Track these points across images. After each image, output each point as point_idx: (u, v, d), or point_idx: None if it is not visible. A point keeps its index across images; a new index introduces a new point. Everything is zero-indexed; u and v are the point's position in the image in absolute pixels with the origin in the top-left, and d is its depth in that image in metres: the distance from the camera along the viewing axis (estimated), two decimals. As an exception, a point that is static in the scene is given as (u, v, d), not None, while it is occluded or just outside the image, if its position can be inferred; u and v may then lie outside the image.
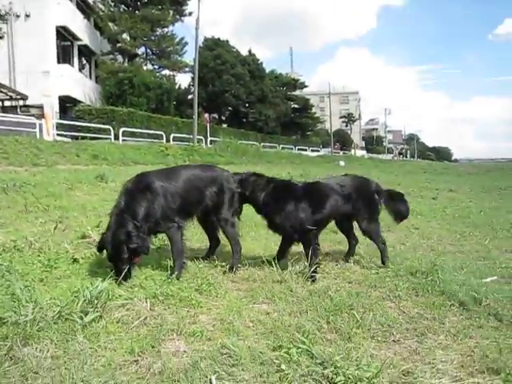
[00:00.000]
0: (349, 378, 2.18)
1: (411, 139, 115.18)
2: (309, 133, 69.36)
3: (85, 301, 2.87)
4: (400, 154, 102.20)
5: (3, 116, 23.34)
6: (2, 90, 28.20)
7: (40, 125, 23.55)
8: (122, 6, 40.78)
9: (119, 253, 3.54)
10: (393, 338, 2.77)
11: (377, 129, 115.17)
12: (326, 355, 2.40)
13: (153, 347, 2.50)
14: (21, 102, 29.68)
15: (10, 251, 4.35)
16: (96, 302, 2.88)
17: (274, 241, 5.05)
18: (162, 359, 2.37)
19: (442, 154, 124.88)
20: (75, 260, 4.13)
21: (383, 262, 4.55)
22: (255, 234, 5.93)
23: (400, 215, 5.10)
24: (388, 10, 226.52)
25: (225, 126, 49.54)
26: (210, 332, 2.76)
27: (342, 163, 38.43)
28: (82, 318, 2.71)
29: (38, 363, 2.25)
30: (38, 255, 4.28)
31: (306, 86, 68.21)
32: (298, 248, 4.50)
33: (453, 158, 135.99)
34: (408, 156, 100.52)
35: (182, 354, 2.46)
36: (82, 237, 5.16)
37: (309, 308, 3.17)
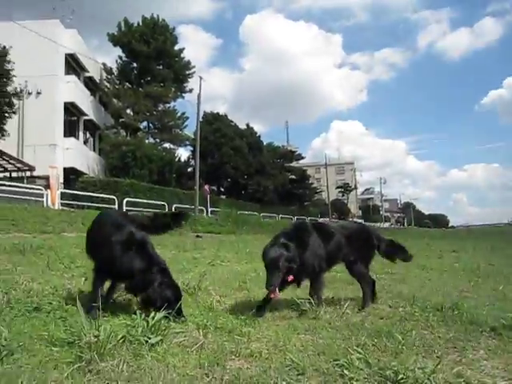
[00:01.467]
0: (408, 377, 2.40)
1: (407, 207, 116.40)
2: (306, 203, 70.24)
3: (144, 327, 3.10)
4: (397, 222, 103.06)
5: (13, 186, 23.87)
6: (10, 161, 28.97)
7: (47, 195, 24.09)
8: (127, 83, 42.84)
9: None
10: (436, 355, 2.97)
11: (373, 198, 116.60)
12: (381, 363, 2.62)
13: (218, 364, 2.71)
14: (27, 173, 30.38)
15: (53, 295, 4.57)
16: (154, 329, 3.11)
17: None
18: (230, 372, 2.57)
19: (438, 221, 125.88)
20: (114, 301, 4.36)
21: (363, 307, 4.62)
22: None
23: (402, 257, 5.34)
24: (376, 84, 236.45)
25: (224, 196, 50.32)
26: (266, 354, 2.96)
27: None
28: (146, 341, 2.93)
29: (117, 376, 2.45)
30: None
31: (302, 158, 70.11)
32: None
33: (450, 225, 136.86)
34: (405, 224, 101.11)
35: (247, 370, 2.66)
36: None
37: (351, 335, 3.38)
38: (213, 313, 4.03)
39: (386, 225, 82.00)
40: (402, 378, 2.42)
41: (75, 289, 4.95)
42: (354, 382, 2.43)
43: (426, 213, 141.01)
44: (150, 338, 2.98)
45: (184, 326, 3.52)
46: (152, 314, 3.27)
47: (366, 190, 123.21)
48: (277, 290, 3.88)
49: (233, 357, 2.90)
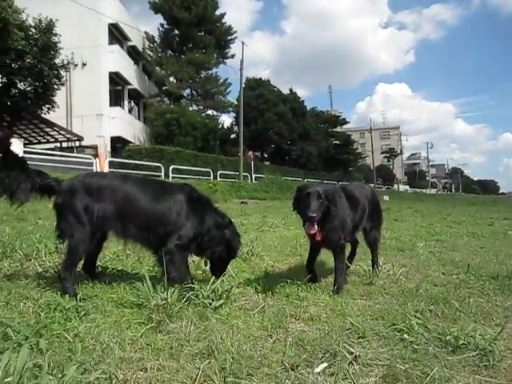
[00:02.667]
0: (469, 343, 2.43)
1: (455, 173, 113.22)
2: (351, 168, 69.43)
3: (207, 291, 3.25)
4: (444, 188, 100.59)
5: (64, 156, 24.69)
6: (60, 131, 29.90)
7: (95, 163, 24.82)
8: (169, 51, 42.90)
9: None
10: (495, 323, 2.98)
11: (419, 163, 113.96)
12: (440, 329, 2.65)
13: (280, 327, 2.81)
14: (76, 143, 31.30)
15: (115, 260, 4.81)
16: (217, 293, 3.25)
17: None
18: (292, 334, 2.68)
19: (488, 187, 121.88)
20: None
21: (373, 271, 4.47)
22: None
23: None
24: (425, 44, 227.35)
25: (268, 163, 50.33)
26: (324, 317, 3.05)
27: (386, 198, 38.14)
28: (210, 304, 3.08)
29: (186, 336, 2.59)
30: (140, 262, 4.74)
31: (346, 122, 68.87)
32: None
33: (500, 191, 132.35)
34: (453, 190, 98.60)
35: (308, 332, 2.75)
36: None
37: (406, 301, 3.41)
38: (268, 278, 4.14)
39: (433, 191, 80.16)
40: (463, 344, 2.45)
41: (133, 254, 5.16)
42: (415, 346, 2.47)
43: (475, 179, 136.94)
44: (213, 301, 3.12)
45: (243, 290, 3.66)
46: (213, 279, 3.42)
47: (411, 155, 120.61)
48: (316, 225, 3.59)
49: (293, 320, 3.01)
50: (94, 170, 24.38)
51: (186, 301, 3.08)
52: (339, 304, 3.35)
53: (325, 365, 2.22)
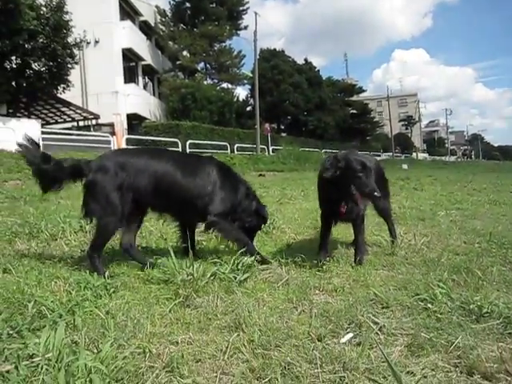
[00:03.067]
0: (493, 311, 2.46)
1: (475, 139, 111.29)
2: (368, 138, 68.65)
3: (232, 266, 3.31)
4: (464, 155, 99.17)
5: (81, 135, 24.90)
6: (76, 111, 30.09)
7: (113, 141, 25.02)
8: (181, 24, 42.48)
9: None
10: (519, 292, 2.99)
11: (438, 130, 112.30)
12: (464, 298, 2.68)
13: (304, 298, 2.87)
14: (93, 121, 31.49)
15: (139, 237, 4.90)
16: (241, 267, 3.31)
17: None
18: (317, 306, 2.73)
19: (509, 154, 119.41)
20: (198, 242, 4.62)
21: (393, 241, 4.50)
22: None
23: None
24: (443, 7, 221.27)
25: (284, 134, 50.06)
26: (348, 288, 3.10)
27: (404, 166, 37.77)
28: (235, 278, 3.14)
29: (213, 309, 2.66)
30: (165, 239, 4.83)
31: (363, 91, 67.80)
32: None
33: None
34: (473, 157, 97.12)
35: (332, 303, 2.80)
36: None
37: (429, 271, 3.43)
38: (291, 250, 4.19)
39: (452, 158, 79.08)
40: (487, 313, 2.47)
41: (157, 231, 5.26)
42: (438, 315, 2.50)
43: (496, 145, 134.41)
44: (237, 275, 3.18)
45: (267, 263, 3.72)
46: (237, 254, 3.49)
47: (430, 122, 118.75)
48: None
49: (317, 291, 3.06)
50: (112, 148, 24.61)
51: (211, 275, 3.14)
52: (362, 275, 3.39)
53: (351, 335, 2.27)
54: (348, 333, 2.30)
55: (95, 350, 1.99)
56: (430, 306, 2.61)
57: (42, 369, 1.75)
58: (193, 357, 2.05)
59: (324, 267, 3.59)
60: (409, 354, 2.08)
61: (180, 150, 27.44)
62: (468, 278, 3.15)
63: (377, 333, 2.29)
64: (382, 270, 3.62)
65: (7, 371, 1.73)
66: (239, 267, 3.30)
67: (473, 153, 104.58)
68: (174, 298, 2.83)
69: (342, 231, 4.97)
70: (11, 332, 2.16)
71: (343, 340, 2.22)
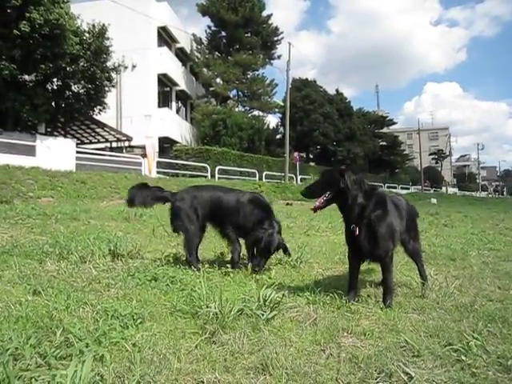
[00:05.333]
0: (532, 370, 2.34)
1: (507, 175, 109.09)
2: (397, 170, 68.10)
3: (259, 302, 3.27)
4: (495, 191, 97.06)
5: (114, 155, 25.41)
6: (110, 132, 30.81)
7: (143, 163, 25.47)
8: (216, 52, 43.40)
9: None
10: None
11: (469, 165, 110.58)
12: (500, 352, 2.57)
13: (332, 341, 2.80)
14: (126, 143, 32.14)
15: (166, 264, 4.91)
16: (269, 303, 3.27)
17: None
18: (345, 350, 2.66)
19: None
20: (226, 273, 4.60)
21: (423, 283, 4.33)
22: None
23: None
24: (478, 41, 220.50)
25: (313, 164, 50.08)
26: (377, 332, 3.01)
27: (433, 201, 37.17)
28: (262, 315, 3.10)
29: (240, 348, 2.62)
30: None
31: (394, 123, 67.66)
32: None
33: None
34: (505, 193, 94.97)
35: (361, 348, 2.72)
36: (218, 256, 5.67)
37: (461, 318, 3.32)
38: (318, 287, 4.12)
39: (483, 194, 77.46)
40: (525, 371, 2.36)
41: (183, 258, 5.26)
42: (473, 370, 2.39)
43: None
44: (265, 312, 3.13)
45: (294, 300, 3.66)
46: (264, 290, 3.44)
47: (461, 156, 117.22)
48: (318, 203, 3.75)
49: (345, 334, 2.97)
50: (142, 170, 25.02)
51: (238, 311, 3.11)
52: (392, 318, 3.29)
53: (380, 386, 2.19)
54: (378, 382, 2.23)
55: (121, 386, 1.97)
56: (463, 357, 2.50)
57: (68, 403, 1.74)
58: (218, 399, 2.02)
59: (352, 308, 3.51)
60: (442, 411, 2.00)
61: (209, 175, 27.72)
62: (504, 329, 3.02)
63: (408, 384, 2.21)
64: (412, 313, 3.51)
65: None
66: (266, 303, 3.26)
67: (505, 189, 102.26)
68: (200, 332, 2.80)
69: (371, 269, 4.88)
70: (39, 360, 2.17)
71: (373, 391, 2.15)
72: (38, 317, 2.84)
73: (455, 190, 74.89)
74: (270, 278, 4.47)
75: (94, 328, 2.69)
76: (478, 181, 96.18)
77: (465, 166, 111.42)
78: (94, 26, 22.72)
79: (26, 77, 21.00)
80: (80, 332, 2.58)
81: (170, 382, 2.09)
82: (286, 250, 5.11)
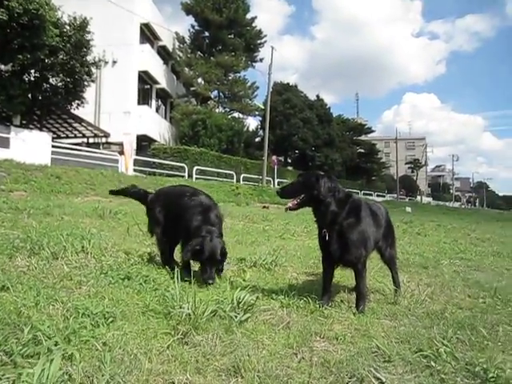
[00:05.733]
0: (499, 376, 2.37)
1: (480, 187, 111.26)
2: (374, 177, 68.89)
3: (232, 304, 3.26)
4: (468, 202, 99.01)
5: (90, 151, 25.07)
6: (88, 127, 30.41)
7: (120, 160, 25.19)
8: (198, 52, 43.31)
9: None
10: (525, 355, 2.91)
11: (443, 176, 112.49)
12: (468, 358, 2.61)
13: (305, 345, 2.80)
14: (103, 139, 31.75)
15: (140, 263, 4.85)
16: (242, 306, 3.26)
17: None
18: (317, 354, 2.66)
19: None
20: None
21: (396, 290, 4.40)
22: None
23: None
24: (458, 55, 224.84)
25: (291, 168, 50.30)
26: (349, 337, 3.02)
27: (408, 209, 37.65)
28: (236, 317, 3.08)
29: (212, 349, 2.60)
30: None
31: (372, 131, 68.44)
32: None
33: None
34: (477, 204, 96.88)
35: (333, 352, 2.73)
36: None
37: (432, 325, 3.36)
38: (292, 291, 4.12)
39: (456, 204, 78.84)
40: (493, 377, 2.39)
41: (157, 257, 5.21)
42: (442, 376, 2.42)
43: (500, 194, 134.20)
44: (238, 314, 3.12)
45: (268, 303, 3.65)
46: (239, 292, 3.43)
47: (436, 166, 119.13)
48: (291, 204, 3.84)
49: (318, 338, 2.98)
50: (119, 167, 24.75)
51: (211, 312, 3.09)
52: (364, 323, 3.32)
53: (352, 391, 2.20)
54: (349, 388, 2.24)
55: (90, 386, 1.93)
56: (433, 364, 2.53)
57: (34, 402, 1.69)
58: (189, 401, 2.00)
59: (326, 312, 3.52)
60: (411, 417, 2.01)
61: (186, 175, 27.59)
62: (473, 337, 3.07)
63: (378, 390, 2.23)
64: (385, 319, 3.54)
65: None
66: (240, 306, 3.24)
67: (477, 200, 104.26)
68: (172, 333, 2.77)
69: (345, 274, 4.91)
70: (4, 358, 2.11)
71: (344, 395, 2.16)
72: (5, 313, 2.76)
73: (430, 199, 76.11)
74: (244, 280, 4.45)
75: (63, 326, 2.64)
76: (451, 191, 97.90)
77: (440, 176, 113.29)
78: (75, 18, 22.35)
79: (2, 66, 20.58)
80: (49, 330, 2.52)
81: (140, 382, 2.07)
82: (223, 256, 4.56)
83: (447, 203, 72.01)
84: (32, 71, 21.56)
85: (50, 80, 22.53)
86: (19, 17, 17.57)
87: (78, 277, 4.01)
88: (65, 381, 1.90)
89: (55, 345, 2.35)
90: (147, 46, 36.95)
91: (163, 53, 41.44)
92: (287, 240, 8.48)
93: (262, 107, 41.37)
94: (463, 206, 78.24)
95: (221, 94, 44.47)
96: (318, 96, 57.68)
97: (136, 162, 27.41)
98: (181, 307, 3.00)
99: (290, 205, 3.82)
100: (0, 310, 2.81)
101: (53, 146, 22.09)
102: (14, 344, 2.28)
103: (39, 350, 2.27)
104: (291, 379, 2.27)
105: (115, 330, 2.74)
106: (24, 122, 24.54)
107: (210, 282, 4.17)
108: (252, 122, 73.95)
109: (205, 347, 2.62)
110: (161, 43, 40.53)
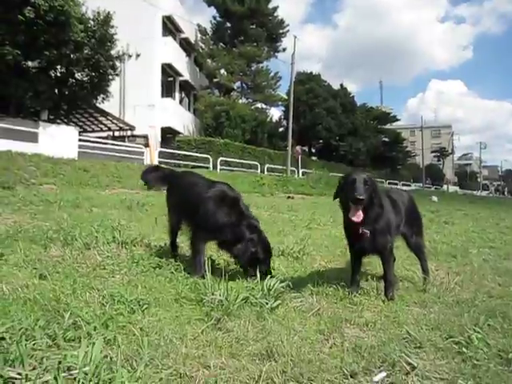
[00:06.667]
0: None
1: (509, 175, 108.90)
2: (399, 167, 67.86)
3: (263, 291, 3.31)
4: (497, 190, 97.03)
5: (117, 145, 25.43)
6: (113, 121, 30.77)
7: (146, 153, 25.48)
8: (221, 43, 43.23)
9: None
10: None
11: (471, 164, 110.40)
12: (501, 345, 2.61)
13: (336, 331, 2.84)
14: (128, 133, 32.10)
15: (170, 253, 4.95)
16: (273, 293, 3.31)
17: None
18: (348, 340, 2.70)
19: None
20: (229, 263, 4.64)
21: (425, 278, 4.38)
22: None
23: None
24: (485, 39, 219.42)
25: (315, 158, 50.05)
26: (379, 324, 3.05)
27: (434, 198, 37.05)
28: (266, 304, 3.14)
29: (245, 335, 2.66)
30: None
31: (397, 120, 67.27)
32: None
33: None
34: (506, 193, 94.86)
35: (364, 338, 2.76)
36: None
37: (462, 312, 3.35)
38: (321, 279, 4.16)
39: (484, 193, 77.34)
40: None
41: (185, 246, 5.29)
42: (474, 362, 2.42)
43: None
44: (269, 301, 3.18)
45: (297, 290, 3.70)
46: (269, 279, 3.49)
47: (463, 155, 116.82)
48: (361, 212, 3.47)
49: (348, 324, 3.02)
50: (145, 160, 25.04)
51: (242, 299, 3.15)
52: (393, 311, 3.34)
53: (384, 374, 2.23)
54: (381, 371, 2.26)
55: (130, 368, 2.01)
56: (465, 350, 2.54)
57: (79, 382, 1.77)
58: (225, 383, 2.05)
59: (355, 299, 3.55)
60: (445, 401, 2.03)
61: (211, 166, 27.74)
62: (505, 324, 3.05)
63: (410, 374, 2.25)
64: (414, 307, 3.55)
65: (46, 382, 1.76)
66: (270, 293, 3.30)
67: (506, 189, 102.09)
68: (205, 319, 2.84)
69: (373, 262, 4.92)
70: (49, 341, 2.20)
71: (376, 379, 2.19)
72: (45, 300, 2.88)
73: (456, 188, 74.80)
74: (273, 268, 4.49)
75: (101, 312, 2.73)
76: (479, 180, 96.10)
77: (467, 164, 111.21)
78: (98, 13, 22.56)
79: (30, 63, 20.91)
80: (87, 316, 2.62)
81: (177, 365, 2.13)
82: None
83: (474, 192, 70.75)
84: (58, 67, 21.89)
85: (76, 75, 22.84)
86: (45, 14, 17.80)
87: (110, 266, 4.13)
88: (107, 363, 1.97)
89: (94, 330, 2.45)
90: (170, 38, 37.07)
91: (186, 45, 41.52)
92: (313, 230, 8.48)
93: (285, 97, 41.26)
94: (491, 195, 76.67)
95: (244, 84, 44.39)
96: (341, 85, 57.08)
97: (161, 154, 27.67)
98: (213, 294, 3.08)
99: (359, 220, 3.52)
100: (40, 297, 2.92)
101: (80, 140, 22.48)
102: (57, 328, 2.38)
103: (79, 334, 2.36)
104: (324, 363, 2.31)
105: (150, 316, 2.83)
106: (51, 116, 24.96)
107: (253, 278, 3.87)
108: (275, 113, 73.87)
109: (238, 333, 2.68)
110: (183, 35, 40.60)
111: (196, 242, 4.29)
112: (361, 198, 3.38)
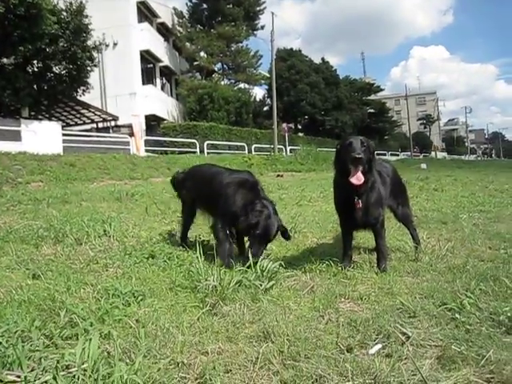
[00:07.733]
0: (526, 324, 2.42)
1: (495, 138, 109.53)
2: (386, 137, 68.02)
3: (256, 273, 3.34)
4: (484, 153, 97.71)
5: (102, 136, 25.19)
6: (95, 112, 30.44)
7: (131, 142, 25.30)
8: (198, 25, 42.70)
9: None
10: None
11: (457, 129, 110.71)
12: (492, 308, 2.65)
13: (330, 307, 2.88)
14: (112, 123, 31.80)
15: (162, 242, 4.96)
16: (266, 274, 3.33)
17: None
18: (343, 315, 2.74)
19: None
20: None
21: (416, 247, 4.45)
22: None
23: None
24: (464, 2, 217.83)
25: (302, 134, 49.99)
26: (373, 296, 3.09)
27: (423, 166, 37.26)
28: (260, 285, 3.16)
29: (241, 318, 2.69)
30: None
31: (381, 90, 67.30)
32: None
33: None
34: (493, 155, 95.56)
35: (358, 312, 2.81)
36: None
37: (454, 278, 3.40)
38: (314, 256, 4.19)
39: (472, 157, 77.89)
40: (519, 325, 2.43)
41: (178, 234, 5.30)
42: (467, 327, 2.46)
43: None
44: (263, 282, 3.20)
45: (291, 269, 3.73)
46: (261, 260, 3.51)
47: (449, 120, 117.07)
48: (361, 174, 3.44)
49: (342, 299, 3.06)
50: (131, 149, 24.87)
51: (236, 283, 3.17)
52: (387, 282, 3.38)
53: (379, 346, 2.26)
54: (376, 344, 2.30)
55: (128, 361, 2.02)
56: (457, 316, 2.58)
57: (78, 379, 1.79)
58: (224, 367, 2.07)
59: (348, 274, 3.59)
60: (439, 367, 2.06)
61: (198, 150, 27.61)
62: (496, 287, 3.10)
63: (405, 344, 2.28)
64: (407, 276, 3.60)
65: (45, 382, 1.78)
66: (264, 274, 3.32)
67: (493, 151, 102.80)
68: (201, 306, 2.86)
69: (364, 236, 4.96)
70: (46, 341, 2.21)
71: (372, 351, 2.22)
72: (40, 300, 2.89)
73: (444, 154, 75.18)
74: (265, 249, 4.52)
75: (96, 307, 2.75)
76: (466, 144, 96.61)
77: (453, 129, 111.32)
78: (71, 3, 22.03)
79: (5, 60, 20.58)
80: (83, 312, 2.63)
81: (175, 354, 2.15)
82: (285, 234, 4.31)
83: (462, 157, 71.19)
84: (35, 62, 21.51)
85: (54, 69, 22.45)
86: (15, 8, 17.42)
87: (103, 260, 4.13)
88: (105, 357, 1.99)
89: (91, 325, 2.46)
90: (146, 24, 36.49)
91: (163, 30, 40.93)
92: (304, 206, 8.52)
93: (267, 75, 40.90)
94: (479, 159, 77.25)
95: (224, 65, 44.00)
96: (323, 59, 56.82)
97: (147, 143, 27.51)
98: (206, 280, 3.09)
99: (359, 182, 3.47)
100: (35, 297, 2.93)
101: (63, 135, 22.22)
102: (53, 328, 2.39)
103: (76, 331, 2.38)
104: (320, 340, 2.34)
105: (146, 307, 2.85)
106: (32, 113, 24.63)
107: (256, 259, 3.60)
108: (259, 92, 73.32)
109: (233, 317, 2.71)
110: (159, 20, 39.95)
111: (219, 230, 4.23)
112: (359, 156, 3.38)
